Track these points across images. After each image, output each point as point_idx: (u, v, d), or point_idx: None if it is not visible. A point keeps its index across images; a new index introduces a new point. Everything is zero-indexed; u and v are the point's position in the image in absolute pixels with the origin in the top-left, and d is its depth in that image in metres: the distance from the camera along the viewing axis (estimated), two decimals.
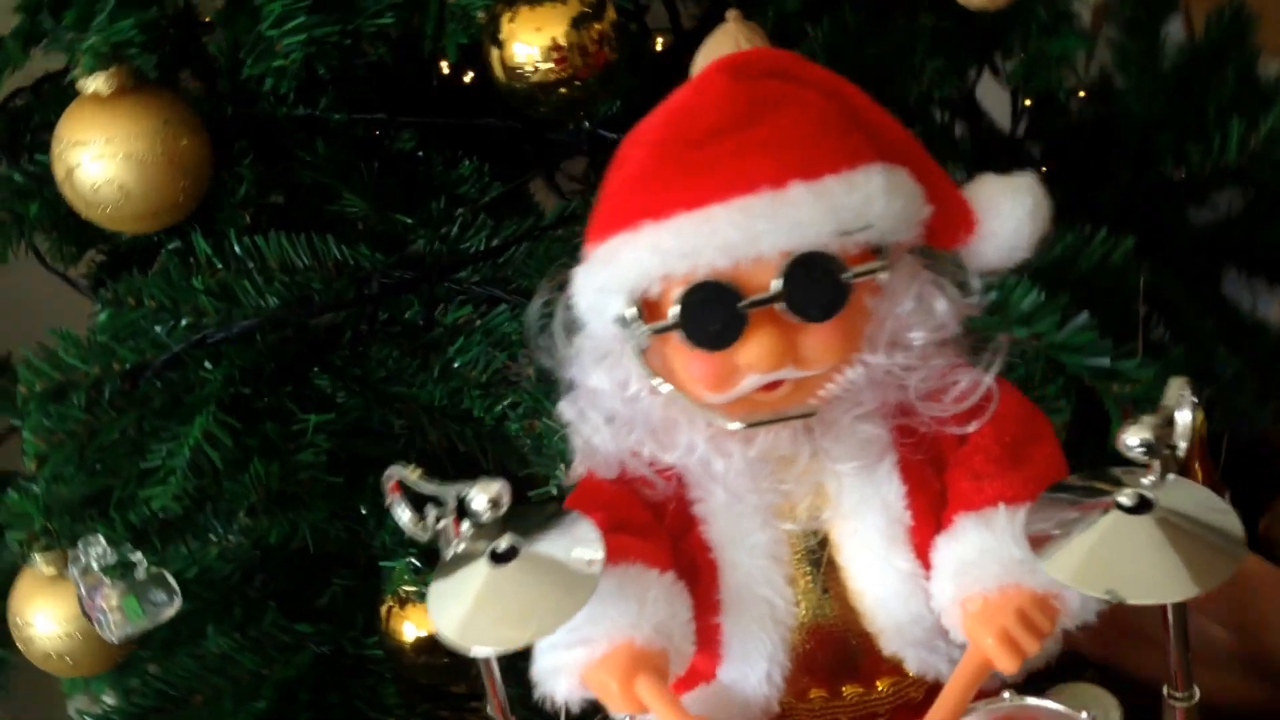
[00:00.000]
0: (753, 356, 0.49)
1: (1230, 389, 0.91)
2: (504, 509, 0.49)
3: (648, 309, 0.50)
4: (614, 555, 0.51)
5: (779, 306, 0.48)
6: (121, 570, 0.76)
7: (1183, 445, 0.47)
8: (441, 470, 0.89)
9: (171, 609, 0.78)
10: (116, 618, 0.76)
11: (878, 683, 0.54)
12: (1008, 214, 0.52)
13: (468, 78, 1.02)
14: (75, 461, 0.85)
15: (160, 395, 0.88)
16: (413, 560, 0.83)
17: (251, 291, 0.89)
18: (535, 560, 0.48)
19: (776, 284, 0.48)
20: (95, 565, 0.76)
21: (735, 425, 0.50)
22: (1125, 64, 0.98)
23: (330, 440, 0.86)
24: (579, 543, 0.49)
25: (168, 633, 0.91)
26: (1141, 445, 0.45)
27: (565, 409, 0.54)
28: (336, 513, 0.88)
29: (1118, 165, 0.98)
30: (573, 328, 0.53)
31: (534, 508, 0.51)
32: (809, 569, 0.53)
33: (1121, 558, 0.44)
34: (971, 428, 0.52)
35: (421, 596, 0.83)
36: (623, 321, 0.50)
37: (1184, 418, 0.47)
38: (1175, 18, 1.03)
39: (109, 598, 0.76)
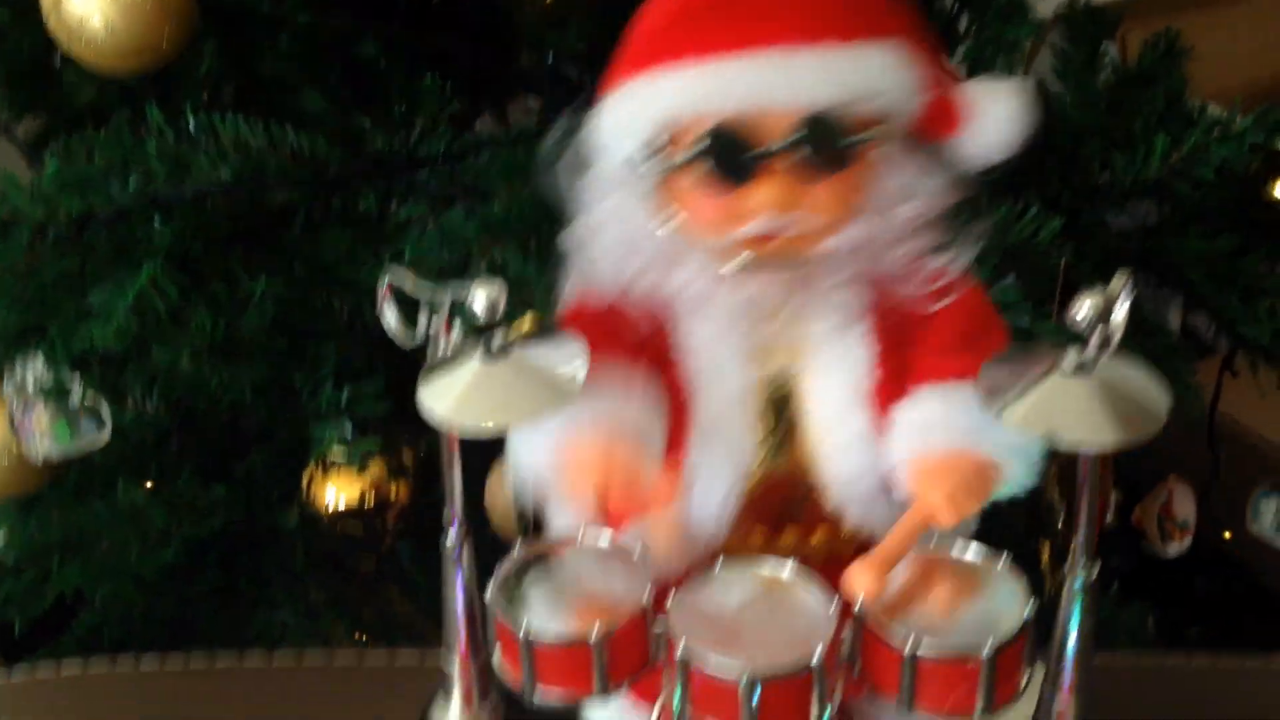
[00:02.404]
0: (766, 198, 0.53)
1: None
2: (500, 312, 0.51)
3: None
4: (598, 353, 0.54)
5: (794, 156, 0.52)
6: (57, 394, 0.76)
7: (1117, 336, 0.52)
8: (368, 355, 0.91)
9: (101, 438, 0.78)
10: (45, 438, 0.76)
11: (813, 534, 0.58)
12: (994, 114, 0.56)
13: None
14: (13, 293, 0.85)
15: (106, 245, 0.88)
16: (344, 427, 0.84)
17: (205, 165, 0.90)
18: (525, 360, 0.51)
19: (794, 135, 0.52)
20: (31, 386, 0.75)
21: (732, 265, 0.54)
22: (1065, 71, 1.04)
23: (275, 308, 0.87)
24: (565, 352, 0.52)
25: (80, 478, 0.91)
26: (1086, 316, 0.50)
27: (577, 228, 0.56)
28: (273, 378, 0.88)
29: (1049, 165, 1.04)
30: (585, 161, 0.56)
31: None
32: (772, 417, 0.57)
33: (1060, 411, 0.50)
34: (935, 307, 0.56)
35: (347, 462, 0.84)
36: (643, 152, 0.53)
37: (1121, 311, 0.52)
38: (1112, 45, 1.10)
39: (40, 419, 0.75)
